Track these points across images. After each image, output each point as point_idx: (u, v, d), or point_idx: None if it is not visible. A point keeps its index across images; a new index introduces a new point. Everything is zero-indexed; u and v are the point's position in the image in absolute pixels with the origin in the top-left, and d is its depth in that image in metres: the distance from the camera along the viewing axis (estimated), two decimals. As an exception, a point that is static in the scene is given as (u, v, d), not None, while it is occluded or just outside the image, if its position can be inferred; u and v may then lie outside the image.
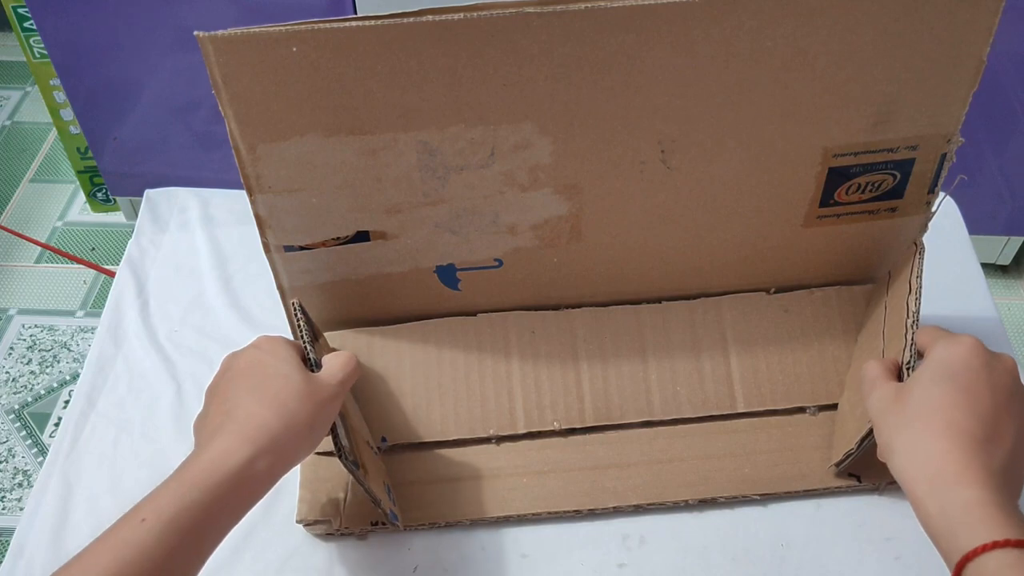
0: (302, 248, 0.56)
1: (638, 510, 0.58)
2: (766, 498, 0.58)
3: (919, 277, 0.55)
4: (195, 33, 0.46)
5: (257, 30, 0.46)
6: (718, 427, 0.61)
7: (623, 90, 0.50)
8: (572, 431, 0.60)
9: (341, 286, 0.59)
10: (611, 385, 0.61)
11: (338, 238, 0.56)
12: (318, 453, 0.60)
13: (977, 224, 0.81)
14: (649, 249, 0.59)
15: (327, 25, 0.45)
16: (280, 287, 0.59)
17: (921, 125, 0.53)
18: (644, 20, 0.47)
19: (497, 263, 0.59)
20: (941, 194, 0.58)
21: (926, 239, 0.76)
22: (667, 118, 0.51)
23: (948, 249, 0.76)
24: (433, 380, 0.61)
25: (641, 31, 0.47)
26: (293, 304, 0.56)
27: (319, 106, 0.49)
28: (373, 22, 0.46)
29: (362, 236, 0.56)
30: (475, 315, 0.62)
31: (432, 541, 0.57)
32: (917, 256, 0.56)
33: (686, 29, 0.47)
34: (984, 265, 0.77)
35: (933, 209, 0.59)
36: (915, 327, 0.52)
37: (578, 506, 0.58)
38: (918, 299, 0.54)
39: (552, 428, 0.60)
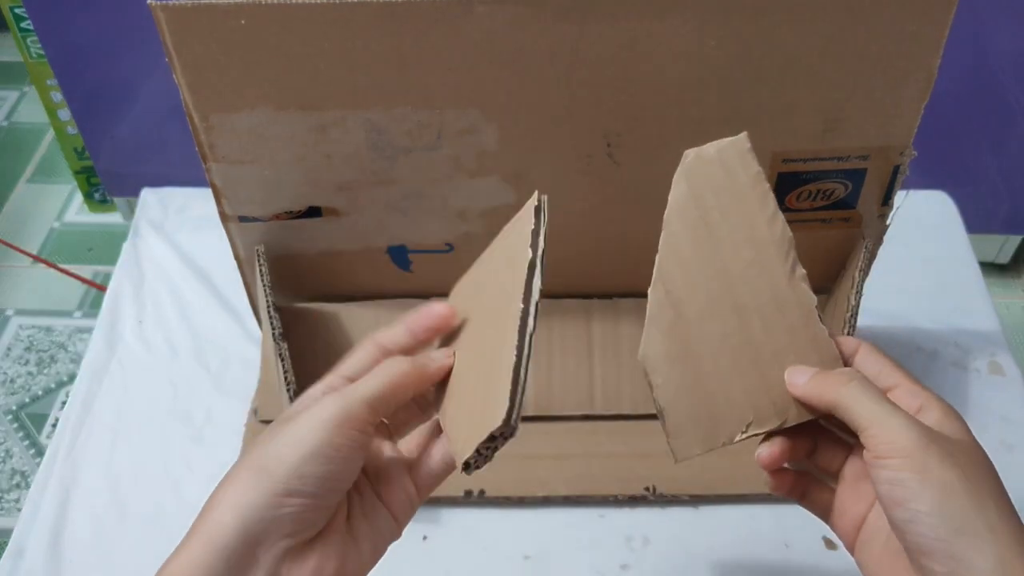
0: (256, 219, 0.58)
1: (635, 509, 0.58)
2: (696, 500, 0.58)
3: (862, 271, 0.55)
4: (148, 2, 0.47)
5: (207, 1, 0.47)
6: (658, 426, 0.61)
7: (566, 82, 0.50)
8: (512, 419, 0.61)
9: (294, 260, 0.61)
10: (555, 376, 0.61)
11: (291, 212, 0.58)
12: (263, 421, 0.62)
13: (975, 223, 0.80)
14: (598, 243, 0.60)
15: (274, 0, 0.47)
16: (237, 256, 0.61)
17: (871, 135, 0.53)
18: (585, 13, 0.47)
19: (448, 247, 0.60)
20: (896, 206, 0.57)
21: (924, 237, 0.76)
22: (612, 112, 0.52)
23: (946, 248, 0.77)
24: (380, 359, 0.62)
25: (583, 24, 0.48)
26: (268, 303, 0.57)
27: (268, 80, 0.50)
28: (319, 0, 0.47)
29: (314, 211, 0.58)
30: (427, 298, 0.63)
31: (433, 541, 0.58)
32: (864, 251, 0.56)
33: (627, 25, 0.47)
34: (982, 264, 0.76)
35: (888, 221, 0.58)
36: (853, 320, 0.52)
37: (508, 493, 0.58)
38: (859, 293, 0.54)
39: (492, 414, 0.60)
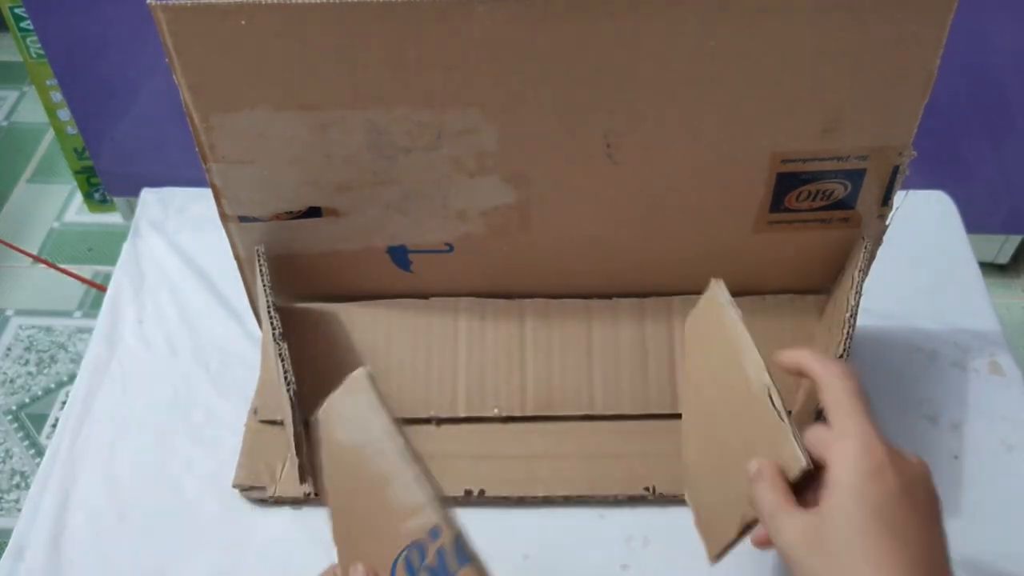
0: (256, 219, 0.58)
1: (635, 509, 0.58)
2: (696, 499, 0.58)
3: (862, 271, 0.55)
4: (148, 2, 0.47)
5: (208, 2, 0.47)
6: (658, 426, 0.61)
7: (566, 81, 0.50)
8: (512, 419, 0.61)
9: (294, 260, 0.61)
10: (554, 377, 0.61)
11: (291, 212, 0.58)
12: (263, 421, 0.62)
13: (975, 222, 0.80)
14: (598, 243, 0.60)
15: (274, 1, 0.47)
16: (237, 257, 0.61)
17: (870, 135, 0.53)
18: (585, 12, 0.47)
19: (448, 248, 0.60)
20: (896, 206, 0.57)
21: (924, 237, 0.76)
22: (611, 111, 0.52)
23: (946, 248, 0.76)
24: (380, 358, 0.62)
25: (583, 23, 0.48)
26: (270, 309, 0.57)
27: (269, 79, 0.50)
28: (319, 0, 0.47)
29: (314, 211, 0.58)
30: (427, 298, 0.63)
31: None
32: (863, 251, 0.56)
33: (627, 23, 0.47)
34: (982, 264, 0.76)
35: (887, 221, 0.58)
36: (852, 320, 0.53)
37: (508, 493, 0.58)
38: (858, 293, 0.54)
39: (492, 415, 0.61)
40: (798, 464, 0.42)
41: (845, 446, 0.41)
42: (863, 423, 0.41)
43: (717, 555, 0.50)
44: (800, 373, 0.46)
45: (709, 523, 0.51)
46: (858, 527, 0.39)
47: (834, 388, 0.43)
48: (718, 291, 0.51)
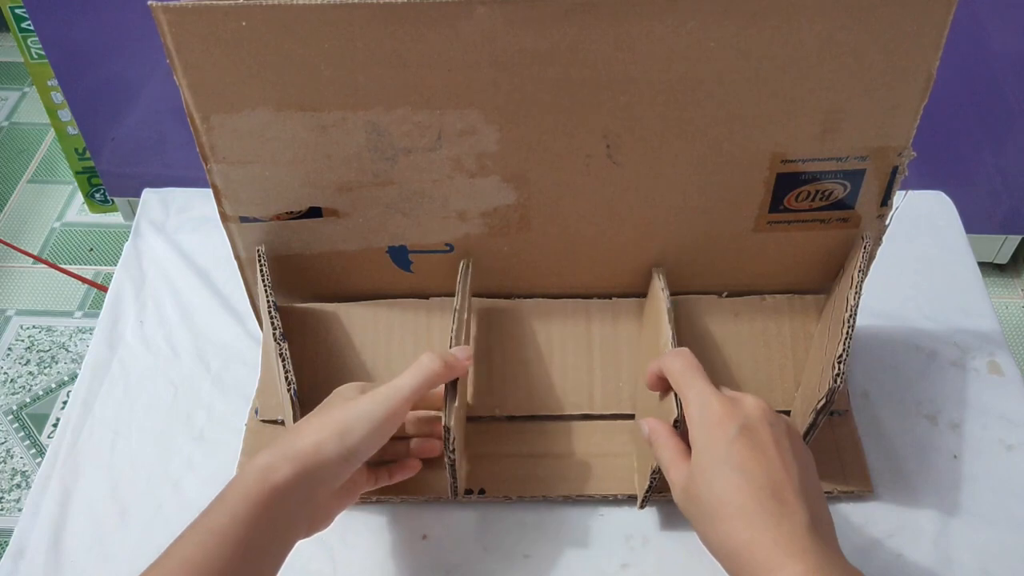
0: (257, 220, 0.58)
1: (635, 508, 0.58)
2: (696, 499, 0.58)
3: (861, 271, 0.55)
4: (148, 3, 0.47)
5: (208, 3, 0.47)
6: (658, 426, 0.61)
7: (566, 82, 0.50)
8: (513, 419, 0.61)
9: (295, 260, 0.61)
10: (555, 376, 0.61)
11: (291, 212, 0.58)
12: (263, 421, 0.62)
13: (974, 223, 0.81)
14: (598, 243, 0.60)
15: (274, 1, 0.47)
16: (237, 257, 0.61)
17: (870, 136, 0.53)
18: (585, 13, 0.47)
19: (448, 248, 0.60)
20: (896, 206, 0.58)
21: (923, 237, 0.76)
22: (611, 113, 0.52)
23: (945, 248, 0.77)
24: (381, 359, 0.62)
25: (583, 24, 0.48)
26: (268, 300, 0.57)
27: (269, 80, 0.50)
28: (319, 1, 0.47)
29: (315, 212, 0.58)
30: (427, 298, 0.63)
31: (433, 540, 0.58)
32: (863, 251, 0.56)
33: (627, 25, 0.48)
34: (981, 264, 0.76)
35: (887, 222, 0.58)
36: (852, 320, 0.53)
37: (508, 493, 0.58)
38: (858, 293, 0.54)
39: (493, 415, 0.61)
40: (672, 415, 0.51)
41: (691, 412, 0.48)
42: (697, 387, 0.49)
43: (640, 503, 0.57)
44: (660, 377, 0.52)
45: (639, 476, 0.58)
46: (709, 473, 0.46)
47: (670, 368, 0.51)
48: (657, 280, 0.60)
